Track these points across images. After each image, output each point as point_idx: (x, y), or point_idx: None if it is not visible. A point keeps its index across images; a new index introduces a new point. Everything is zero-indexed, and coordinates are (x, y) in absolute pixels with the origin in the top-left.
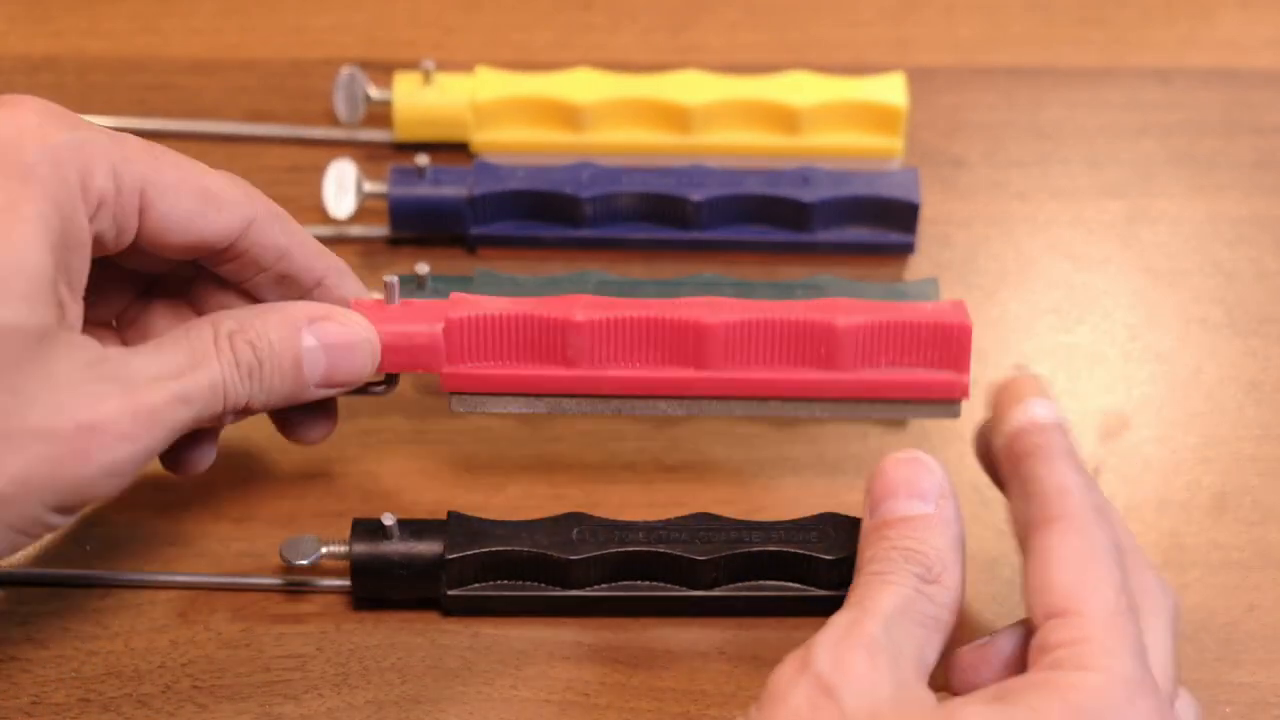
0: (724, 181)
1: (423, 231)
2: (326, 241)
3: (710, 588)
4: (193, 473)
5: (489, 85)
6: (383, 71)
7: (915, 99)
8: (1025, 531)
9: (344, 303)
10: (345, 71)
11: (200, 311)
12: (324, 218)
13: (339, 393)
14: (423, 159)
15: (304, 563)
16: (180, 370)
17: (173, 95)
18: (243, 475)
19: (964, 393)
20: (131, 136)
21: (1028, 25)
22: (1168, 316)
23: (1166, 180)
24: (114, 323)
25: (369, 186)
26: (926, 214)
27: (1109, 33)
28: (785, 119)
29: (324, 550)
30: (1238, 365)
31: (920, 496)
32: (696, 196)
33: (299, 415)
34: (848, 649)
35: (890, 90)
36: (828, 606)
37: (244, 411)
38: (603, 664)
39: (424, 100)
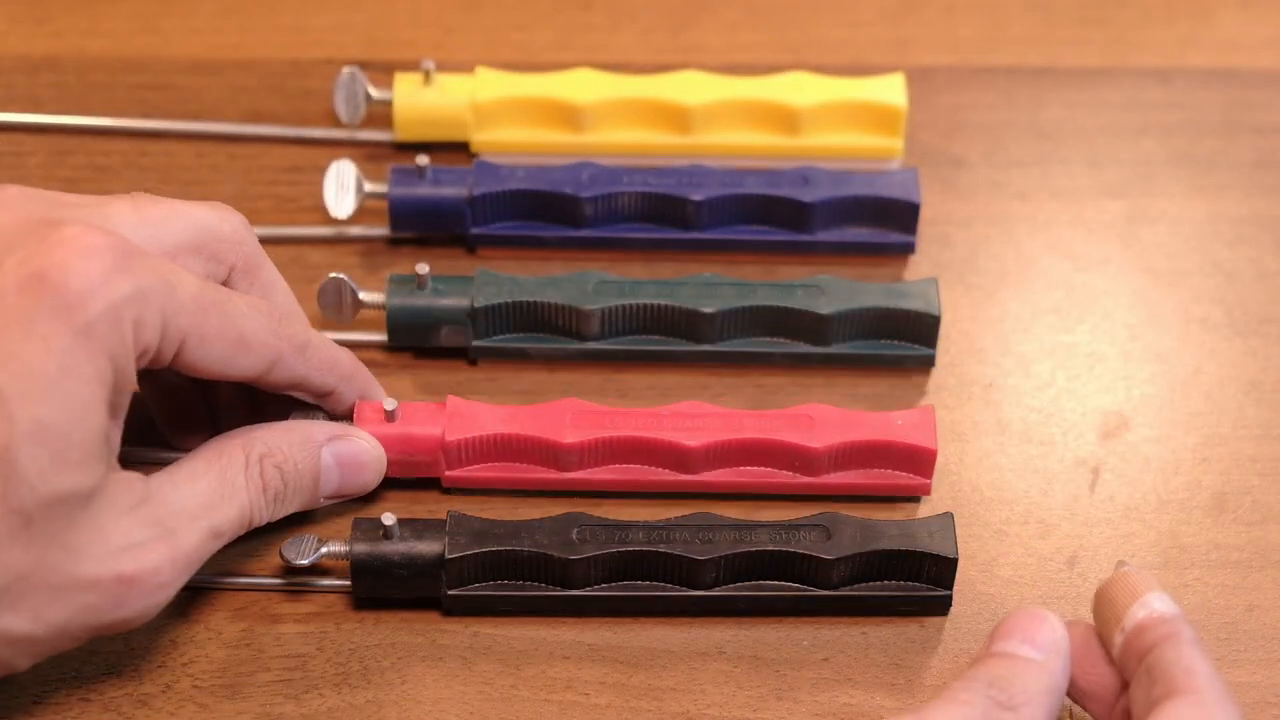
0: (724, 181)
1: (423, 231)
2: (326, 242)
3: (710, 588)
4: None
5: (489, 85)
6: (383, 71)
7: (915, 99)
8: (1147, 711)
9: (352, 405)
10: (345, 71)
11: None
12: (324, 218)
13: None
14: (423, 159)
15: (304, 563)
16: (212, 504)
17: (173, 95)
18: None
19: (926, 491)
20: (186, 279)
21: (1028, 25)
22: (1168, 316)
23: (1166, 180)
24: None
25: (369, 186)
26: (926, 214)
27: (1109, 33)
28: (785, 119)
29: (324, 550)
30: (1238, 365)
31: (1032, 644)
32: (697, 196)
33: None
34: None
35: (890, 90)
36: (828, 606)
37: (260, 524)
38: (603, 664)
39: (424, 100)
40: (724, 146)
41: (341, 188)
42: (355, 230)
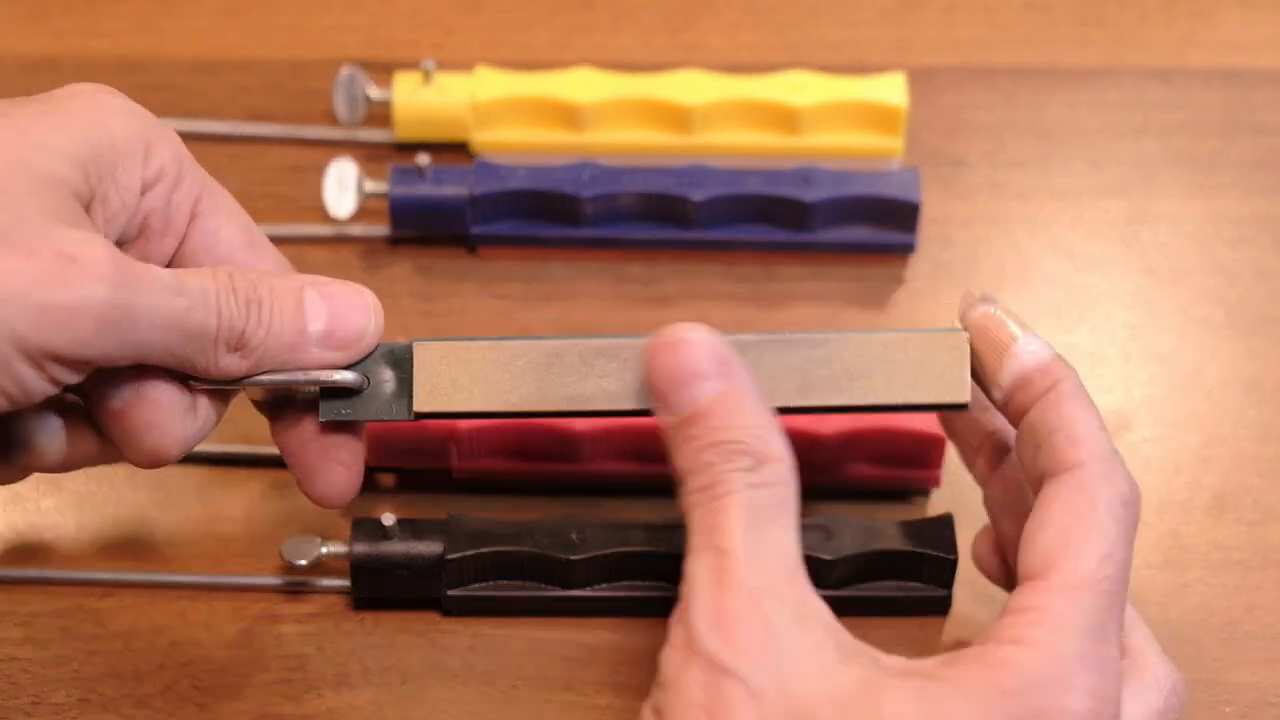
0: (724, 181)
1: (423, 231)
2: (326, 242)
3: None
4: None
5: (489, 85)
6: (383, 71)
7: (915, 99)
8: (1035, 481)
9: None
10: (345, 71)
11: None
12: (324, 217)
13: (342, 360)
14: (423, 159)
15: (304, 563)
16: (178, 275)
17: (173, 95)
18: (242, 474)
19: (936, 483)
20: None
21: (1028, 25)
22: (1168, 316)
23: (1167, 180)
24: None
25: (370, 186)
26: (926, 214)
27: (1109, 33)
28: (785, 119)
29: (324, 550)
30: (1238, 365)
31: (705, 376)
32: (697, 196)
33: (316, 459)
34: (728, 614)
35: (890, 90)
36: (828, 606)
37: (241, 347)
38: (603, 664)
39: (424, 100)
40: (724, 146)
41: (341, 187)
42: (355, 230)
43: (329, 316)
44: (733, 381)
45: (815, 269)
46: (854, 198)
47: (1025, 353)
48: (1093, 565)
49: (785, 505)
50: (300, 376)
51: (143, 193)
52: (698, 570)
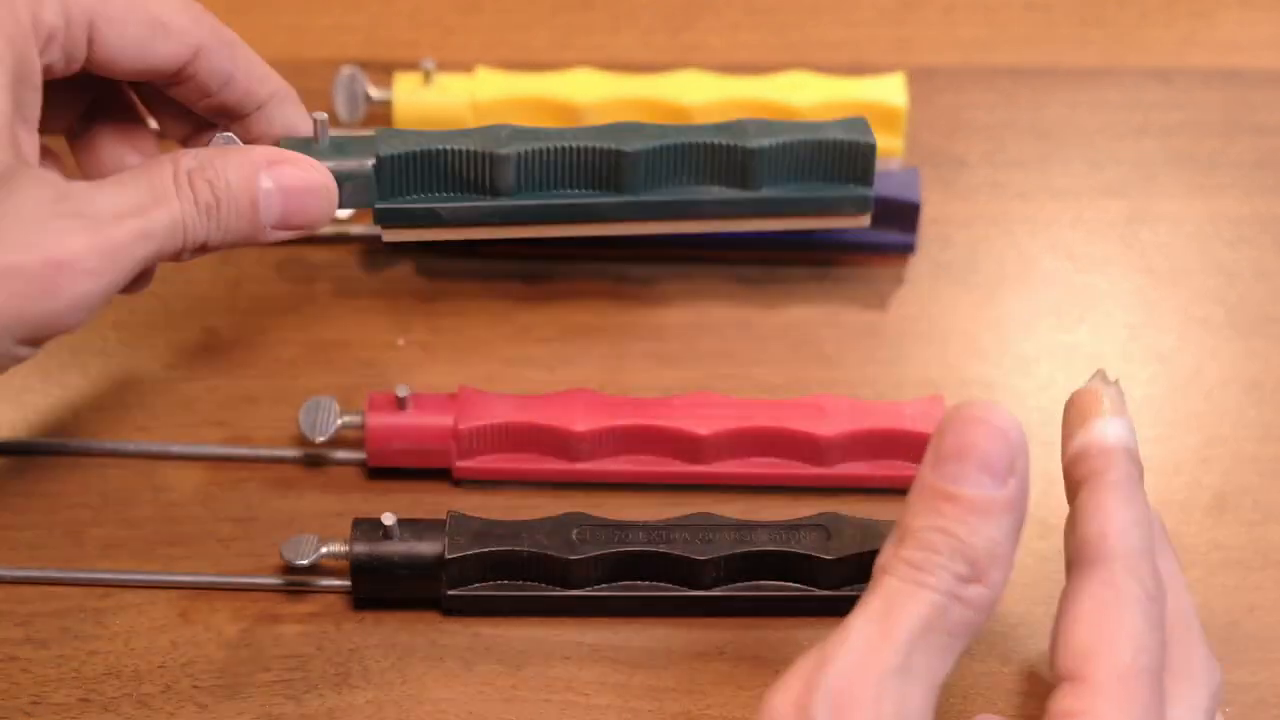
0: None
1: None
2: (327, 241)
3: (710, 588)
4: (137, 292)
5: (489, 85)
6: (383, 71)
7: (915, 99)
8: (1067, 569)
9: (286, 127)
10: (345, 71)
11: (147, 130)
12: None
13: (296, 236)
14: None
15: (304, 563)
16: (142, 207)
17: None
18: (242, 474)
19: None
20: None
21: (1028, 25)
22: (1168, 316)
23: (1167, 180)
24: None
25: None
26: (927, 214)
27: (1109, 33)
28: (785, 119)
29: (324, 550)
30: (1238, 366)
31: (990, 471)
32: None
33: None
34: (854, 696)
35: (890, 90)
36: (828, 606)
37: (201, 249)
38: (603, 664)
39: (424, 100)
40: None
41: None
42: (356, 230)
43: (283, 208)
44: (1006, 491)
45: (815, 269)
46: None
47: (1096, 429)
48: (1127, 660)
49: (967, 631)
50: None
51: (40, 55)
52: (855, 634)
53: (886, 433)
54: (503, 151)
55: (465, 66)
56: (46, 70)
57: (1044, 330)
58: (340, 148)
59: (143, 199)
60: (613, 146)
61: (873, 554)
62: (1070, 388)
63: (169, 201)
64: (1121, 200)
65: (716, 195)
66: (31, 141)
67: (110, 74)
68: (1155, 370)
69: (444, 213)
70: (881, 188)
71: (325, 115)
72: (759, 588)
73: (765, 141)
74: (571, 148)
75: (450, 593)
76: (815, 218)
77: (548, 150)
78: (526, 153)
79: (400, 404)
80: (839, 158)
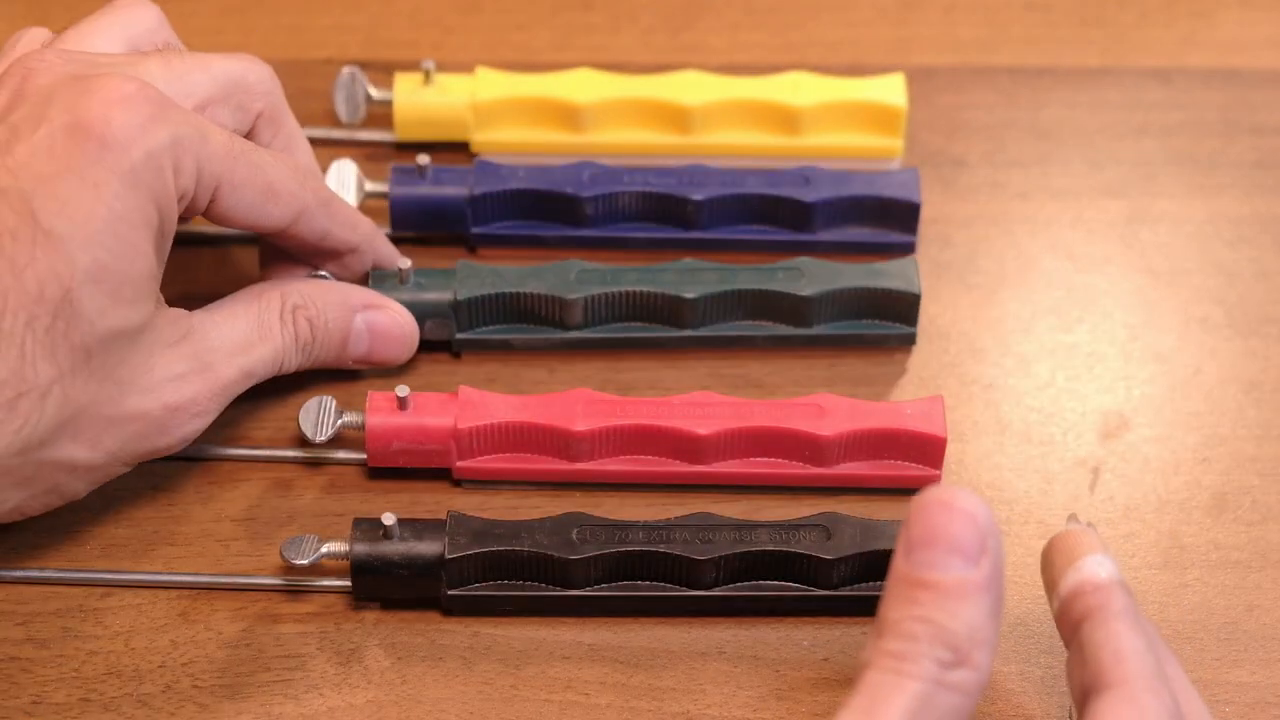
0: (725, 181)
1: (423, 231)
2: None
3: (710, 588)
4: None
5: (489, 85)
6: (383, 71)
7: (915, 99)
8: (1082, 697)
9: (378, 255)
10: (345, 71)
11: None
12: None
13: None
14: (423, 158)
15: (304, 563)
16: (249, 344)
17: None
18: (242, 474)
19: (936, 483)
20: (214, 130)
21: (1028, 25)
22: (1168, 316)
23: (1166, 180)
24: None
25: (370, 186)
26: (927, 214)
27: (1109, 33)
28: (785, 119)
29: (324, 550)
30: (1238, 365)
31: (961, 554)
32: (697, 196)
33: None
34: None
35: (890, 90)
36: (828, 606)
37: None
38: (603, 664)
39: (424, 100)
40: (724, 146)
41: (342, 186)
42: None
43: (369, 348)
44: (980, 573)
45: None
46: (854, 198)
47: (1088, 567)
48: None
49: (958, 715)
50: None
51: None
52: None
53: (886, 433)
54: (571, 297)
55: (465, 66)
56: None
57: (1044, 330)
58: (422, 285)
59: (250, 336)
60: (673, 293)
61: (873, 554)
62: (1070, 387)
63: (273, 338)
64: (1121, 200)
65: (769, 331)
66: (160, 277)
67: (221, 225)
68: (1155, 370)
69: (516, 343)
70: (881, 188)
71: (410, 262)
72: (759, 588)
73: (818, 289)
74: (635, 292)
75: (450, 593)
76: (858, 347)
77: (613, 294)
78: (593, 297)
79: (400, 404)
80: (886, 302)
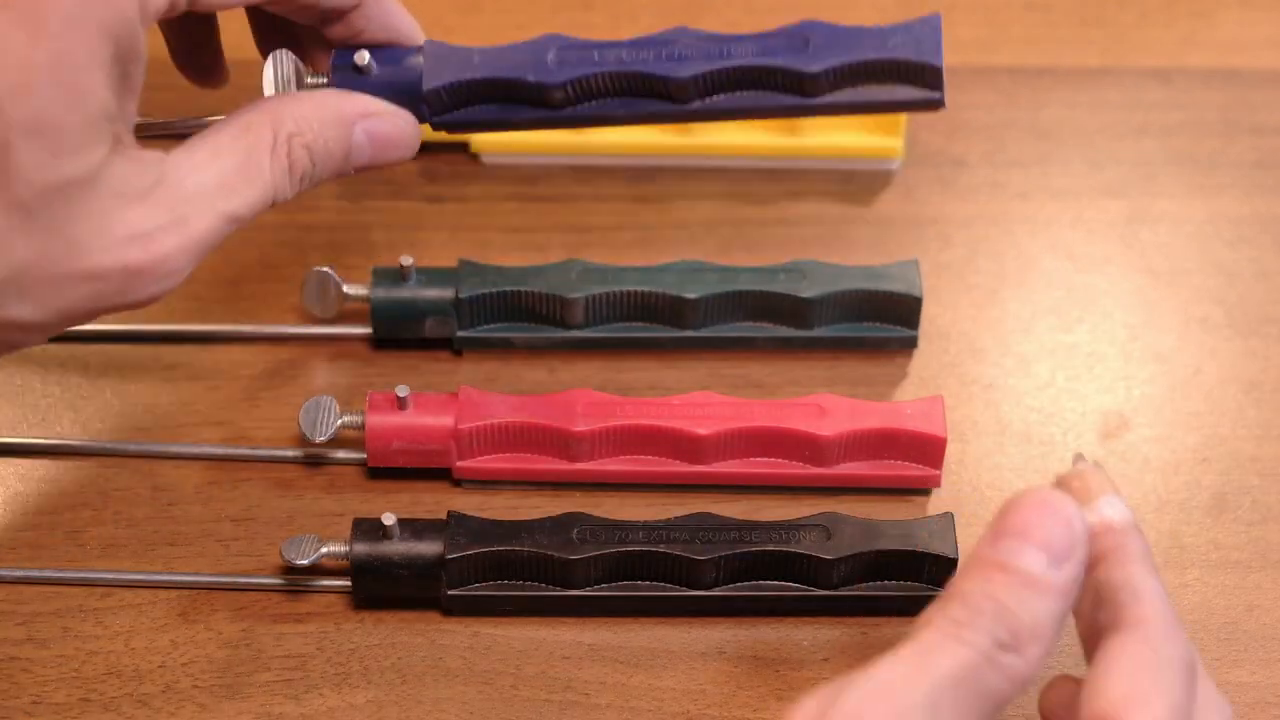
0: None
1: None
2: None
3: (710, 588)
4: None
5: None
6: None
7: None
8: (1094, 636)
9: (384, 23)
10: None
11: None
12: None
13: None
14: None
15: (304, 563)
16: (233, 186)
17: (173, 95)
18: (242, 474)
19: (936, 483)
20: None
21: (1028, 25)
22: (1168, 316)
23: (1166, 180)
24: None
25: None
26: (927, 214)
27: (1109, 33)
28: (785, 119)
29: (324, 550)
30: (1238, 365)
31: (1048, 550)
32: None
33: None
34: (874, 716)
35: None
36: (828, 606)
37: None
38: (603, 664)
39: None
40: (724, 147)
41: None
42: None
43: (371, 156)
44: (1061, 574)
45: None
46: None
47: (1104, 509)
48: (1164, 716)
49: (996, 701)
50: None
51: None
52: (884, 668)
53: (887, 433)
54: (572, 296)
55: None
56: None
57: (1044, 330)
58: (424, 283)
59: (235, 177)
60: (674, 293)
61: (873, 554)
62: (1070, 387)
63: (261, 177)
64: (1121, 200)
65: (770, 333)
66: (131, 109)
67: (210, 8)
68: (1155, 370)
69: (517, 341)
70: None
71: (412, 259)
72: (759, 588)
73: (820, 291)
74: (636, 292)
75: (450, 593)
76: (859, 350)
77: (614, 294)
78: (594, 297)
79: (400, 404)
80: (888, 305)
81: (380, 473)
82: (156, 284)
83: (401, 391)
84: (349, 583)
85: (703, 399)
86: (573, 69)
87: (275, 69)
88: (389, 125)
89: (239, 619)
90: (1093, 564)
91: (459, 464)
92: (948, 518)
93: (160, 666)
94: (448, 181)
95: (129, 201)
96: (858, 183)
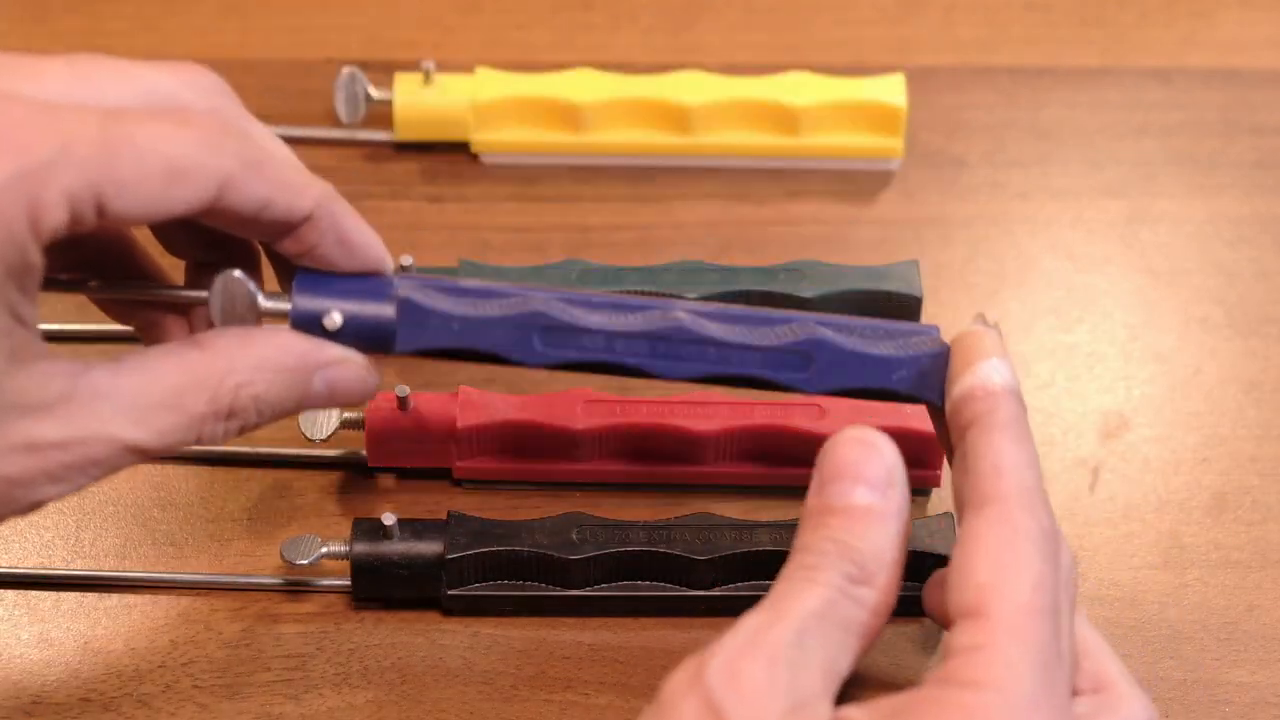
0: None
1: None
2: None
3: (710, 588)
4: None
5: (489, 85)
6: (383, 71)
7: (915, 99)
8: (961, 508)
9: (337, 233)
10: (345, 71)
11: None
12: None
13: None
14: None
15: (304, 563)
16: (150, 419)
17: None
18: (242, 474)
19: (936, 483)
20: (79, 128)
21: (1028, 25)
22: (1168, 316)
23: (1167, 180)
24: None
25: (327, 548)
26: (927, 214)
27: (1109, 33)
28: (785, 119)
29: (324, 550)
30: (1238, 365)
31: (868, 483)
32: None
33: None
34: (748, 661)
35: (890, 90)
36: None
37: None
38: (603, 664)
39: (424, 100)
40: (724, 146)
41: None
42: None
43: (326, 402)
44: (888, 503)
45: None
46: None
47: (983, 372)
48: (1026, 595)
49: (860, 630)
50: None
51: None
52: (747, 621)
53: (887, 432)
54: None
55: (465, 66)
56: (51, 242)
57: (1044, 330)
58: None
59: (156, 412)
60: (675, 293)
61: None
62: (1070, 387)
63: (190, 426)
64: (1121, 200)
65: None
66: (29, 314)
67: (127, 226)
68: (1155, 370)
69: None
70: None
71: (412, 259)
72: (759, 588)
73: (820, 291)
74: (637, 292)
75: (450, 593)
76: None
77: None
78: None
79: (400, 404)
80: (887, 305)
81: (380, 473)
82: (36, 493)
83: (401, 391)
84: (349, 583)
85: (703, 399)
86: (557, 351)
87: (225, 296)
88: (351, 375)
89: (239, 619)
90: (962, 429)
91: (459, 464)
92: (948, 518)
93: (160, 666)
94: (448, 181)
95: (24, 413)
96: (858, 183)
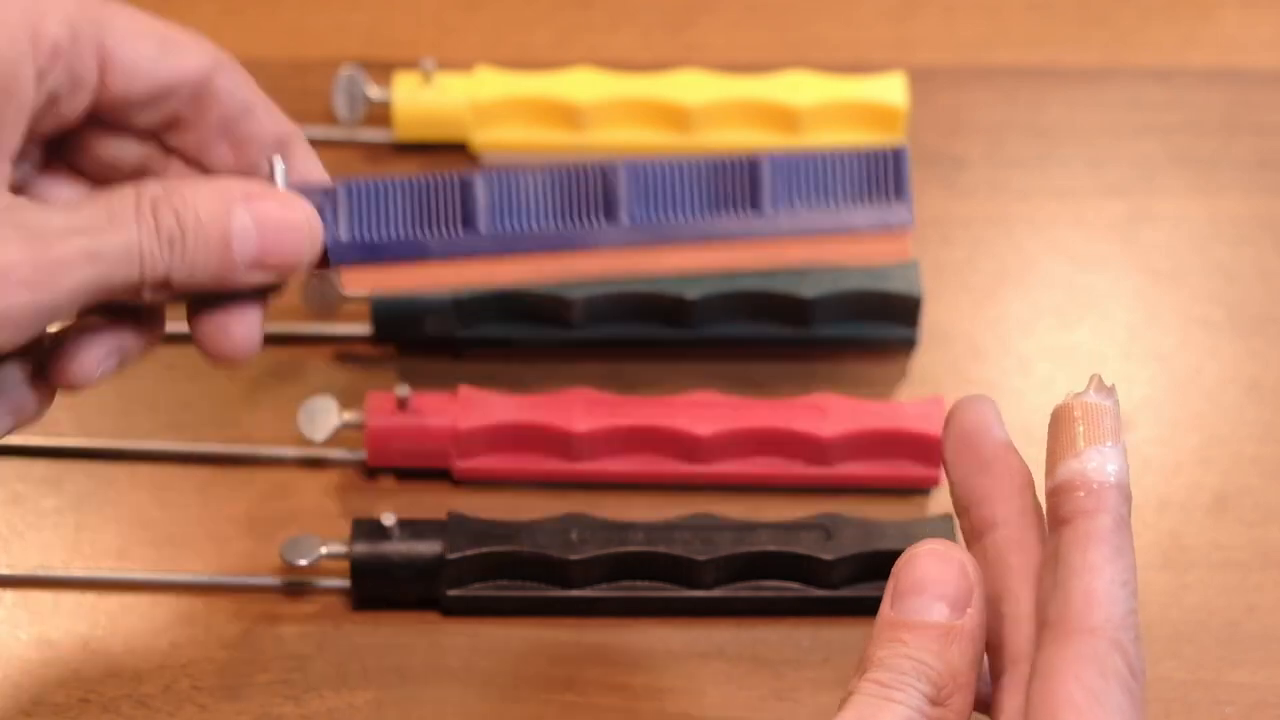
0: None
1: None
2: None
3: (710, 588)
4: (236, 353)
5: (489, 85)
6: (383, 71)
7: (915, 99)
8: (1042, 627)
9: (300, 174)
10: (345, 71)
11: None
12: None
13: (276, 279)
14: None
15: (304, 563)
16: (95, 228)
17: None
18: (242, 474)
19: (936, 483)
20: None
21: (1028, 25)
22: (1168, 316)
23: (1167, 180)
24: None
25: (326, 549)
26: (927, 214)
27: (1109, 33)
28: (785, 119)
29: (324, 550)
30: (1238, 365)
31: (947, 601)
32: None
33: (217, 313)
34: None
35: (890, 90)
36: (828, 607)
37: (165, 286)
38: (603, 664)
39: (424, 100)
40: (724, 146)
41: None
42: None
43: (260, 244)
44: (966, 621)
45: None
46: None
47: (1091, 461)
48: None
49: None
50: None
51: (42, 79)
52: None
53: (887, 433)
54: (572, 295)
55: (465, 66)
56: (51, 105)
57: (1044, 330)
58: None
59: (97, 221)
60: (675, 293)
61: (873, 554)
62: (1070, 388)
63: (125, 227)
64: (1121, 200)
65: (771, 332)
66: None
67: (124, 101)
68: (1155, 370)
69: (517, 340)
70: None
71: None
72: (759, 588)
73: (820, 291)
74: (636, 291)
75: (450, 593)
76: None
77: (614, 293)
78: (594, 296)
79: (400, 404)
80: (887, 305)
81: (380, 473)
82: (7, 295)
83: (401, 391)
84: (349, 583)
85: (703, 399)
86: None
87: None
88: (280, 211)
89: (239, 619)
90: (1059, 523)
91: (459, 464)
92: (948, 518)
93: (160, 667)
94: None
95: None
96: None
